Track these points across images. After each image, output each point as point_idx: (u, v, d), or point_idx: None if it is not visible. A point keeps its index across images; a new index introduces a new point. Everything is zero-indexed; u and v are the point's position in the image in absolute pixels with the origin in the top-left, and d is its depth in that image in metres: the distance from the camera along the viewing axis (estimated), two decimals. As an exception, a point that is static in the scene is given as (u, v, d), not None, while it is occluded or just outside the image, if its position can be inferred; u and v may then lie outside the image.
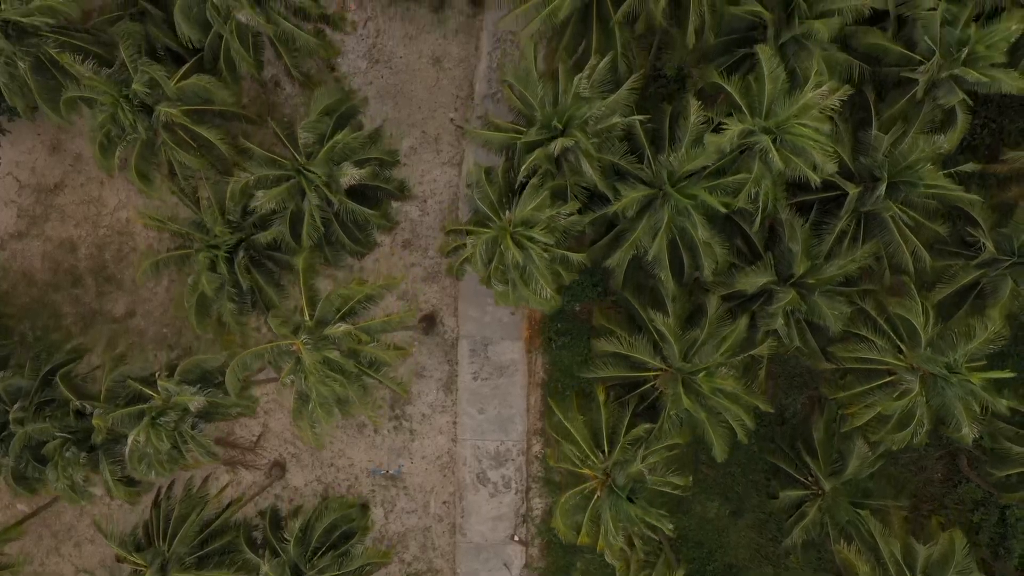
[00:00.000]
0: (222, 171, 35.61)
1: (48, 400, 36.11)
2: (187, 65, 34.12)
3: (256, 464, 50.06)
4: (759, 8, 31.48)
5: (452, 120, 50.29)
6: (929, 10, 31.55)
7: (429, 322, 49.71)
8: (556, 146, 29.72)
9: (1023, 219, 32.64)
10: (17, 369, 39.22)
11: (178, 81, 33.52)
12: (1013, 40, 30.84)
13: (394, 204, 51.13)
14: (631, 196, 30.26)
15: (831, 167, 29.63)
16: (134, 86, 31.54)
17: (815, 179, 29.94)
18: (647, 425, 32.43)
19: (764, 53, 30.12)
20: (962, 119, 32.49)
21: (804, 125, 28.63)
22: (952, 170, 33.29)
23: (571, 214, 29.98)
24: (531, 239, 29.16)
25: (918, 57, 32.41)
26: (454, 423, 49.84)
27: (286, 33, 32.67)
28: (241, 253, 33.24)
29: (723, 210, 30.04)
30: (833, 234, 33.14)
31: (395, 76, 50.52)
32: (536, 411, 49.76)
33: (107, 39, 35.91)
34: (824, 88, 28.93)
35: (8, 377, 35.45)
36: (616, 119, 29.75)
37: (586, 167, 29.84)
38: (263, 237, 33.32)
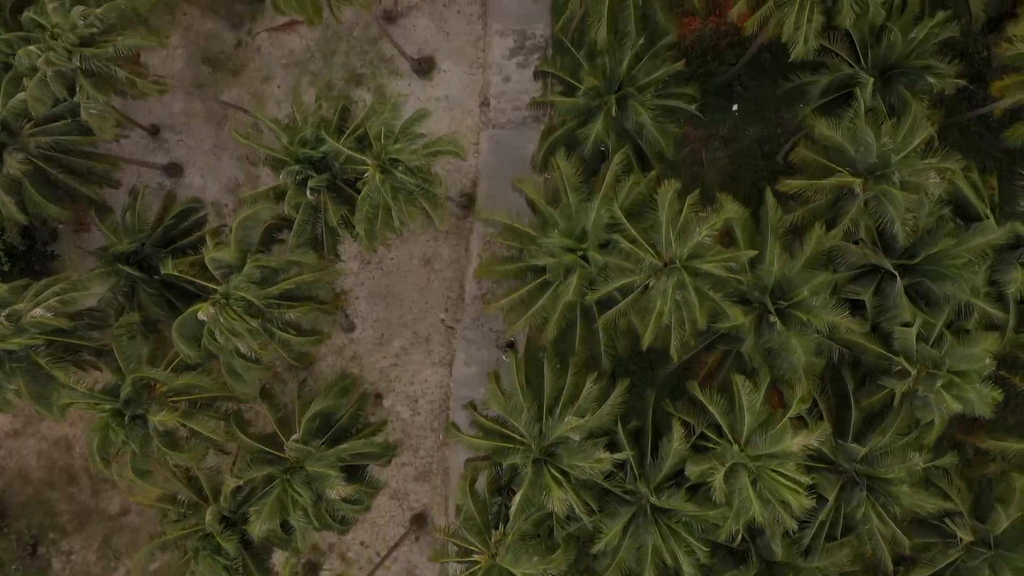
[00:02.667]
0: (217, 449, 36.29)
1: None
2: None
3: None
4: (742, 320, 32.16)
5: (443, 321, 50.91)
6: (905, 325, 32.26)
7: (420, 522, 50.29)
8: (550, 501, 30.44)
9: (999, 518, 33.33)
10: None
11: (171, 368, 34.36)
12: (987, 373, 31.67)
13: (385, 404, 52.09)
14: (615, 529, 30.98)
15: (808, 504, 30.39)
16: (123, 393, 32.34)
17: (792, 523, 30.73)
18: None
19: (740, 385, 30.87)
20: (940, 423, 33.21)
21: (781, 473, 29.40)
22: (932, 464, 33.99)
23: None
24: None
25: (897, 360, 33.10)
26: (446, 622, 50.43)
27: (283, 341, 33.36)
28: (238, 553, 33.94)
29: (704, 557, 30.84)
30: (813, 528, 33.84)
31: (386, 277, 51.13)
32: (527, 610, 50.31)
33: (100, 317, 36.57)
34: (801, 437, 29.66)
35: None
36: (602, 454, 30.47)
37: (576, 508, 30.59)
38: (257, 531, 33.96)
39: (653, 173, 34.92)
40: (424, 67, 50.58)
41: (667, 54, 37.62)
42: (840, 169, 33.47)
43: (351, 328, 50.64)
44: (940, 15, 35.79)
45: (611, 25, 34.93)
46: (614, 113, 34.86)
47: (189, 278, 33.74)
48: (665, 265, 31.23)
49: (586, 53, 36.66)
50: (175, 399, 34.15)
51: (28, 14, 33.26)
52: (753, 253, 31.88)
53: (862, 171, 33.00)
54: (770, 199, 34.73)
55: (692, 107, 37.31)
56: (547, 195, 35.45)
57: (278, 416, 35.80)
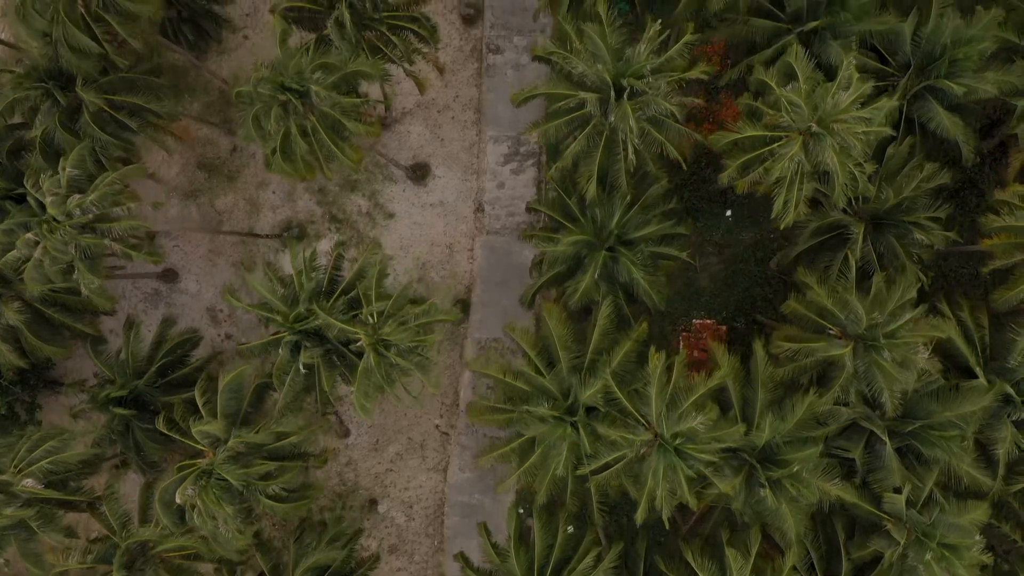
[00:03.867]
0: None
1: None
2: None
3: None
4: (731, 491, 32.32)
5: (437, 427, 51.08)
6: (895, 490, 32.42)
7: (415, 629, 50.45)
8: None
9: None
10: None
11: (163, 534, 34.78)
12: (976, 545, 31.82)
13: (380, 510, 52.28)
14: None
15: None
16: (116, 564, 32.60)
17: None
18: None
19: (732, 559, 31.05)
20: (929, 584, 33.36)
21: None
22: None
23: None
24: None
25: (887, 520, 33.24)
26: None
27: (269, 507, 33.57)
28: None
29: None
30: None
31: (381, 383, 51.30)
32: None
33: (92, 462, 36.76)
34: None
35: None
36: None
37: None
38: None
39: (644, 327, 35.05)
40: (419, 174, 50.76)
41: (659, 190, 37.86)
42: (830, 328, 33.62)
43: (346, 434, 50.81)
44: (929, 168, 35.90)
45: (601, 179, 35.05)
46: (601, 269, 35.03)
47: (181, 439, 33.88)
48: (655, 436, 31.39)
49: (577, 200, 36.80)
50: (168, 554, 34.34)
51: (27, 185, 33.34)
52: (742, 429, 31.99)
53: (851, 334, 33.13)
54: (759, 352, 34.80)
55: (683, 254, 37.40)
56: (538, 343, 35.56)
57: (271, 565, 35.96)
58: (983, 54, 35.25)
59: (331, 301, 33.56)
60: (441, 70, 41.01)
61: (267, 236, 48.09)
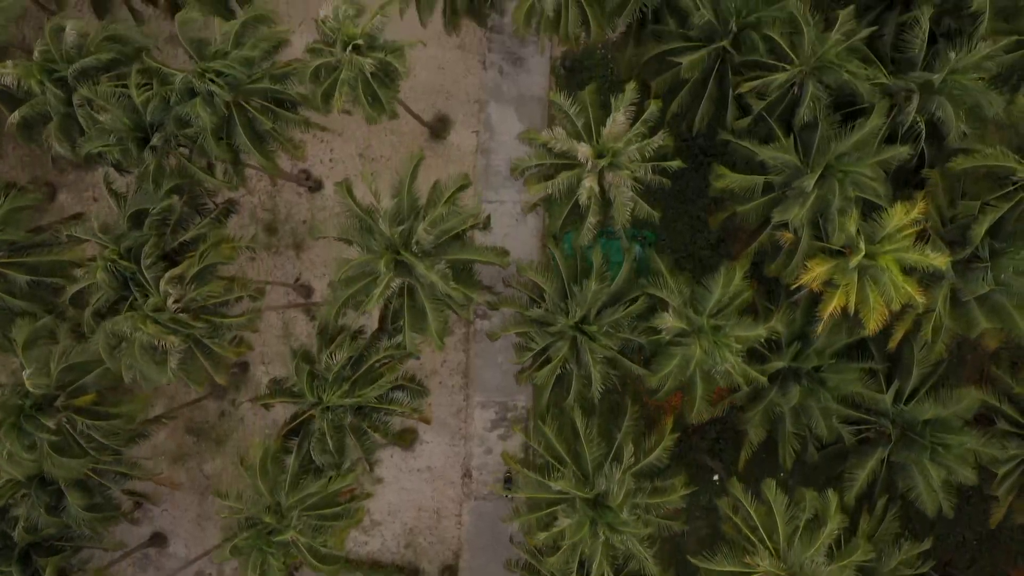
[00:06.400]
0: None
1: None
2: None
3: None
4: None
5: None
6: None
7: None
8: None
9: None
10: None
11: None
12: None
13: None
14: None
15: None
16: None
17: None
18: None
19: None
20: None
21: None
22: None
23: None
24: None
25: None
26: None
27: None
28: None
29: None
30: None
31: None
32: None
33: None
34: None
35: None
36: None
37: None
38: None
39: None
40: (406, 440, 50.89)
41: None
42: None
43: None
44: (908, 548, 36.04)
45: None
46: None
47: None
48: None
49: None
50: None
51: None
52: None
53: None
54: None
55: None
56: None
57: None
58: (962, 444, 35.34)
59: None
60: (428, 422, 41.14)
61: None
